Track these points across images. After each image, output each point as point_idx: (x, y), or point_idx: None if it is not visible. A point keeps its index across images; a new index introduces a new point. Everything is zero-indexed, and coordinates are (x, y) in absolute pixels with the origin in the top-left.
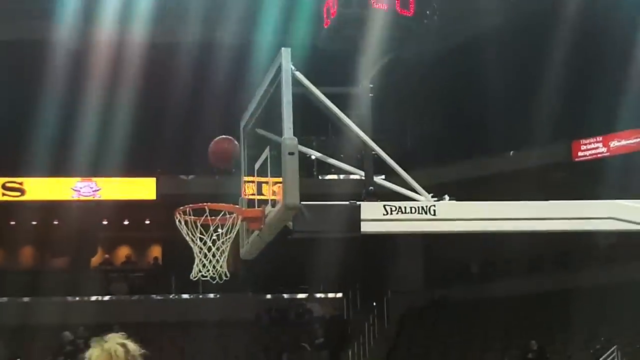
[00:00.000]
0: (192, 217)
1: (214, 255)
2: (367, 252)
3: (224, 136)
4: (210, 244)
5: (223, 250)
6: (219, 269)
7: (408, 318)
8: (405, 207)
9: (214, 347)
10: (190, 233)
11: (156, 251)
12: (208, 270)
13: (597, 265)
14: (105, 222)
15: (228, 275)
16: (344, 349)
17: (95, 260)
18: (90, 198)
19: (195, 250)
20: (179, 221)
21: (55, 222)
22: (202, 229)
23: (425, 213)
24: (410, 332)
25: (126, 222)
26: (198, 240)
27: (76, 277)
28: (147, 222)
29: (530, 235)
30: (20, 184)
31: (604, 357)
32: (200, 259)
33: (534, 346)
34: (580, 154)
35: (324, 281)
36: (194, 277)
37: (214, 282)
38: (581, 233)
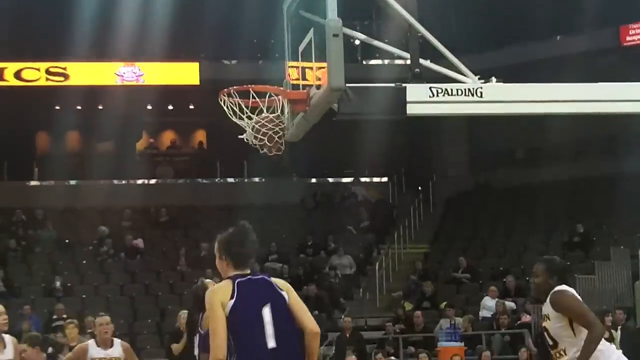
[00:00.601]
0: (237, 99)
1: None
2: (413, 136)
3: None
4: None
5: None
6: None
7: (453, 202)
8: (451, 89)
9: (260, 230)
10: (236, 113)
11: (201, 136)
12: (256, 144)
13: None
14: (149, 107)
15: (282, 148)
16: (389, 233)
17: (141, 144)
18: (134, 83)
19: (244, 124)
20: (224, 102)
21: (100, 107)
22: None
23: (472, 95)
24: (456, 216)
25: (170, 107)
26: (246, 118)
27: (122, 161)
28: (191, 107)
29: (577, 118)
30: (64, 69)
31: None
32: (250, 130)
33: (580, 229)
34: (628, 38)
35: (369, 165)
36: (248, 142)
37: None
38: (629, 117)
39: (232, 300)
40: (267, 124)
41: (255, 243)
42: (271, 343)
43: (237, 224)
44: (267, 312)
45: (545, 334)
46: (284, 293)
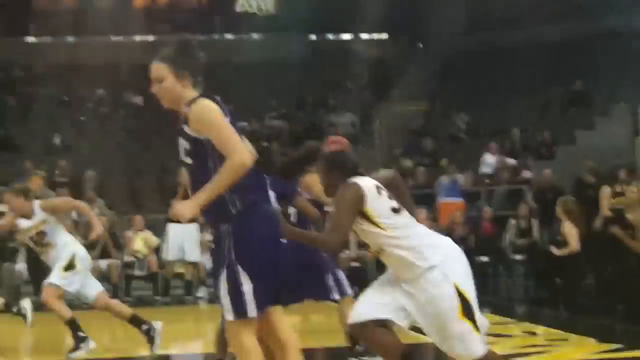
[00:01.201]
0: None
1: None
2: None
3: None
4: None
5: None
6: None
7: (454, 60)
8: None
9: (259, 88)
10: None
11: None
12: (251, 5)
13: None
14: None
15: (272, 9)
16: (388, 90)
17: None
18: None
19: None
20: None
21: None
22: None
23: None
24: (457, 74)
25: None
26: None
27: (120, 17)
28: None
29: None
30: None
31: None
32: None
33: (580, 86)
34: None
35: (369, 22)
36: (240, 10)
37: (261, 15)
38: None
39: (227, 118)
40: None
41: None
42: None
43: (179, 41)
44: None
45: None
46: None
